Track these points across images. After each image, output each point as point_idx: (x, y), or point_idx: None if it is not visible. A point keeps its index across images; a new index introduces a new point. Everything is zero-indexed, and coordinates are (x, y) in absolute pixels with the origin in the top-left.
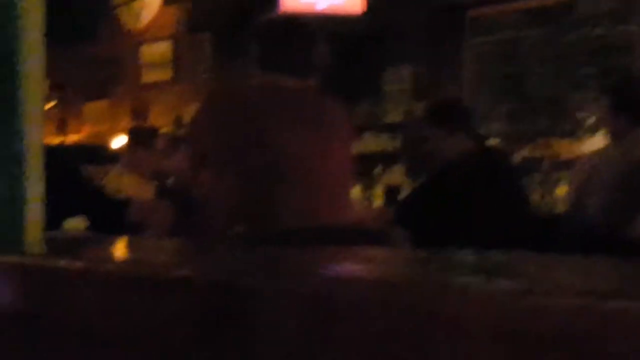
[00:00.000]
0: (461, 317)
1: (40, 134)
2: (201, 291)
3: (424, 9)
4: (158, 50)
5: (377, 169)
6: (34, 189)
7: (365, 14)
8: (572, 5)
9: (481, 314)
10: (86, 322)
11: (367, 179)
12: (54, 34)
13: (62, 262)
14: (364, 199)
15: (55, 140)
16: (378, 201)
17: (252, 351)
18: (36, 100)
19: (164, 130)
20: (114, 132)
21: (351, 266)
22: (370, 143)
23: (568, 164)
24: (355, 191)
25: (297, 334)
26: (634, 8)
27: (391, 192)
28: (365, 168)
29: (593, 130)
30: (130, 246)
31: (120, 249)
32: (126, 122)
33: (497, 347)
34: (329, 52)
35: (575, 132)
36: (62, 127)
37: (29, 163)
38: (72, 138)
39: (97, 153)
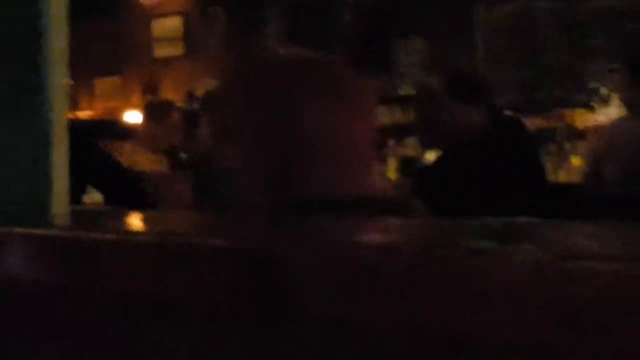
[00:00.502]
0: (489, 282)
1: (65, 109)
2: (236, 260)
3: None
4: (169, 24)
5: (391, 142)
6: (60, 163)
7: None
8: None
9: (507, 279)
10: (117, 294)
11: (382, 152)
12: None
13: (92, 235)
14: (380, 171)
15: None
16: (392, 173)
17: (288, 317)
18: (60, 76)
19: (179, 105)
20: (126, 107)
21: (380, 234)
22: (384, 116)
23: (583, 134)
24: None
25: (329, 299)
26: None
27: (406, 164)
28: (379, 141)
29: (607, 100)
30: (156, 219)
31: (147, 222)
32: (138, 97)
33: (528, 312)
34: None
35: (590, 102)
36: (73, 103)
37: (55, 137)
38: (84, 114)
39: (110, 128)
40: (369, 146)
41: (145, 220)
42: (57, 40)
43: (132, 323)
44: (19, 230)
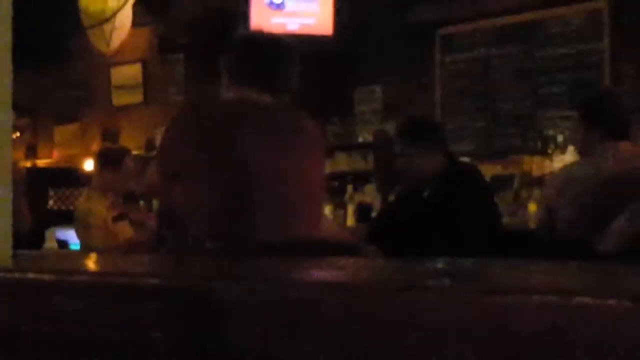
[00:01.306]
0: (429, 318)
1: (8, 152)
2: (172, 298)
3: (394, 27)
4: (129, 72)
5: (349, 188)
6: (2, 205)
7: (335, 33)
8: (541, 23)
9: (447, 313)
10: (58, 332)
11: (340, 198)
12: (23, 56)
13: (32, 275)
14: (337, 218)
15: (27, 163)
16: (351, 219)
17: (224, 356)
18: (3, 118)
19: (135, 152)
20: (85, 154)
21: (319, 272)
22: (342, 162)
23: (539, 181)
24: (328, 210)
25: (264, 338)
26: (602, 26)
27: (363, 210)
28: (338, 187)
29: (563, 147)
30: (100, 259)
31: (89, 262)
32: (97, 144)
33: (465, 346)
34: (299, 70)
35: (546, 149)
36: (33, 151)
37: None
38: (43, 161)
39: (69, 176)
40: (318, 190)
41: (87, 261)
42: (1, 81)
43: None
44: None
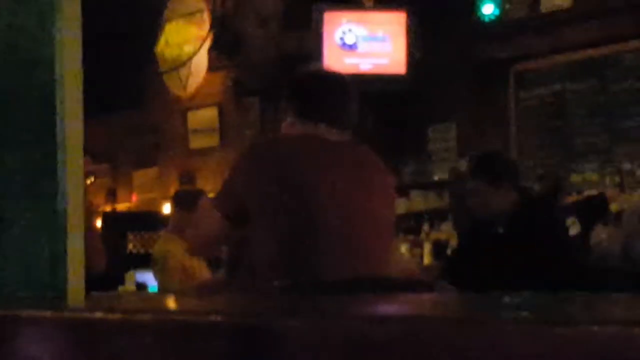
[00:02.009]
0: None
1: (80, 195)
2: (234, 335)
3: (467, 65)
4: (205, 116)
5: (425, 226)
6: (75, 248)
7: (408, 72)
8: (616, 57)
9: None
10: None
11: (416, 237)
12: (102, 104)
13: (100, 314)
14: (414, 256)
15: (106, 208)
16: (427, 258)
17: None
18: (76, 162)
19: (211, 194)
20: (163, 198)
21: (385, 307)
22: (418, 201)
23: (617, 216)
24: (405, 248)
25: None
26: None
27: (440, 248)
28: (414, 226)
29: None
30: (167, 299)
31: (156, 302)
32: (175, 188)
33: None
34: (365, 108)
35: (623, 183)
36: (112, 195)
37: (70, 220)
38: (122, 205)
39: (147, 219)
40: (388, 227)
41: (154, 301)
42: (73, 125)
43: None
44: (33, 312)
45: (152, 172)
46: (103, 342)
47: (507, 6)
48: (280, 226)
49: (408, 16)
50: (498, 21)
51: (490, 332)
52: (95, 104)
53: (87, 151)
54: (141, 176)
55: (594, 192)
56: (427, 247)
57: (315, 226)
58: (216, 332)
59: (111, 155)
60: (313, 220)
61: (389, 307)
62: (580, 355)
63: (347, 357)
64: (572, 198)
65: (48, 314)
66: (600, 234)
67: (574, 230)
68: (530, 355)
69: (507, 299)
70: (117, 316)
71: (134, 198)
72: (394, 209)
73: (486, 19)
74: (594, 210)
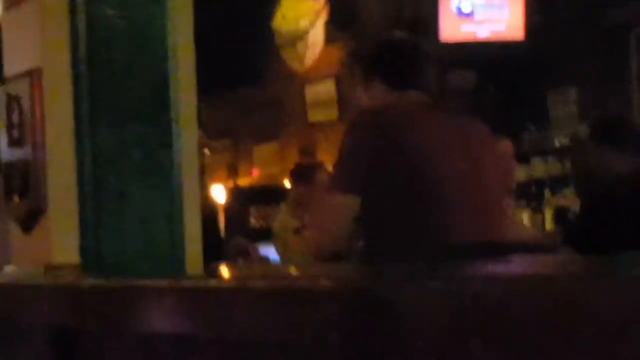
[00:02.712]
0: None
1: (195, 170)
2: (344, 300)
3: (587, 29)
4: (323, 89)
5: (547, 193)
6: (192, 222)
7: (527, 38)
8: None
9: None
10: (242, 336)
11: (538, 203)
12: (221, 80)
13: (215, 282)
14: (535, 223)
15: (228, 183)
16: (549, 224)
17: (399, 355)
18: (190, 137)
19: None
20: (284, 172)
21: (498, 267)
22: (539, 168)
23: None
24: (526, 215)
25: (437, 337)
26: None
27: (562, 214)
28: (535, 192)
29: None
30: (281, 268)
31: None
32: (295, 161)
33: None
34: (483, 75)
35: None
36: (234, 171)
37: (186, 198)
38: (243, 180)
39: (269, 193)
40: (500, 193)
41: (268, 269)
42: (187, 100)
43: None
44: (157, 282)
45: (272, 146)
46: (222, 311)
47: None
48: (402, 199)
49: None
50: None
51: (610, 290)
52: (217, 81)
53: (204, 127)
54: (262, 151)
55: None
56: (548, 214)
57: (435, 192)
58: (326, 299)
59: (232, 131)
60: (433, 187)
61: (506, 268)
62: None
63: (464, 318)
64: None
65: (166, 284)
66: None
67: None
68: None
69: (627, 260)
70: (230, 284)
71: (255, 173)
72: (511, 175)
73: None
74: None
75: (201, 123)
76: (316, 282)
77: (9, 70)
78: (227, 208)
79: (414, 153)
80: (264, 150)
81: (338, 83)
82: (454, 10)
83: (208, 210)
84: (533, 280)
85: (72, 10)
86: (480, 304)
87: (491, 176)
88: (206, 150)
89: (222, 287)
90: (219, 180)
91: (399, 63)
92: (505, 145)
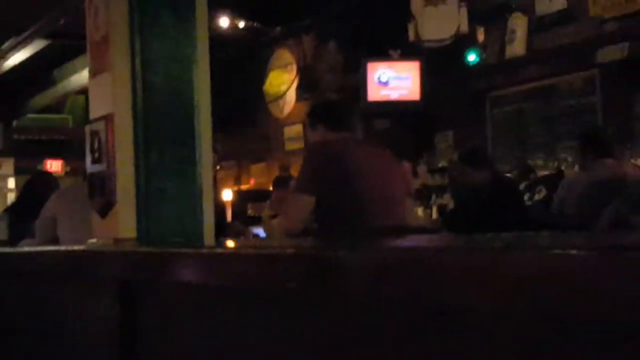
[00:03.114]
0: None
1: (209, 176)
2: (303, 260)
3: (458, 93)
4: (295, 129)
5: (433, 196)
6: (208, 211)
7: (421, 99)
8: (554, 86)
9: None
10: (236, 285)
11: (427, 202)
12: (230, 123)
13: (222, 249)
14: (425, 215)
15: (235, 188)
16: (435, 215)
17: (340, 294)
18: (206, 153)
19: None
20: (270, 182)
21: (402, 240)
22: (429, 180)
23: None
24: (420, 210)
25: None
26: (594, 85)
27: (442, 209)
28: (427, 195)
29: (572, 165)
30: (265, 241)
31: (258, 242)
32: (275, 175)
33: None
34: (395, 122)
35: (560, 166)
36: (238, 180)
37: (204, 195)
38: (244, 186)
39: (260, 195)
40: (403, 195)
41: (257, 242)
42: (205, 133)
43: None
44: (185, 249)
45: (262, 165)
46: (225, 267)
47: (484, 55)
48: (340, 198)
49: (421, 63)
50: (478, 64)
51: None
52: (228, 124)
53: (217, 151)
54: (256, 168)
55: (546, 172)
56: (434, 209)
57: (362, 197)
58: (292, 259)
59: (237, 155)
60: (360, 194)
61: (407, 241)
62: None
63: (380, 270)
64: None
65: (191, 250)
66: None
67: (540, 196)
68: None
69: (482, 238)
70: (230, 250)
71: (252, 182)
72: (411, 185)
73: (470, 63)
74: (554, 182)
75: (215, 149)
76: (285, 249)
77: (92, 115)
78: (232, 204)
79: (346, 169)
80: (257, 168)
81: (304, 126)
82: (376, 80)
83: (219, 205)
84: (425, 249)
85: (133, 77)
86: (390, 262)
87: (396, 185)
88: (218, 167)
89: (227, 252)
90: (226, 186)
91: (333, 115)
92: (407, 165)
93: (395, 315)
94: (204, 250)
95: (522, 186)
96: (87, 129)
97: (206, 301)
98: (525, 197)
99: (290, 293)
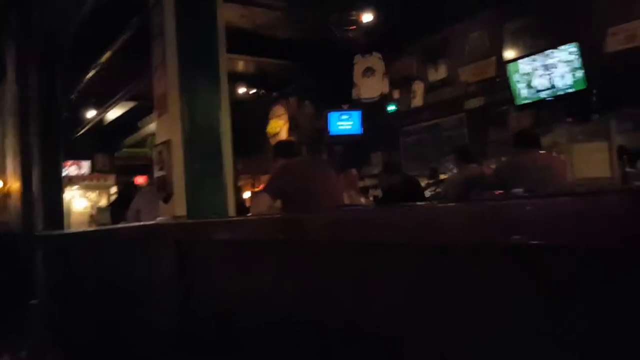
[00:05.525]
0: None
1: (231, 183)
2: (278, 223)
3: (383, 129)
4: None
5: (371, 190)
6: (230, 203)
7: (362, 133)
8: (439, 124)
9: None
10: (245, 239)
11: (367, 194)
12: (248, 150)
13: (239, 218)
14: (366, 200)
15: (250, 190)
16: (371, 201)
17: (304, 246)
18: (228, 166)
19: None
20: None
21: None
22: (368, 182)
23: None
24: (363, 198)
25: (322, 235)
26: (463, 122)
27: (375, 198)
28: (366, 190)
29: (451, 170)
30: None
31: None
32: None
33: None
34: (342, 148)
35: (444, 171)
36: (252, 186)
37: (227, 199)
38: (256, 189)
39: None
40: (339, 195)
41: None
42: (227, 155)
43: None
44: (218, 219)
45: (265, 177)
46: (241, 230)
47: (398, 106)
48: (297, 200)
49: (361, 112)
50: (395, 112)
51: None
52: (245, 151)
53: (238, 167)
54: (264, 178)
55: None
56: (371, 197)
57: (313, 200)
58: (279, 222)
59: (252, 170)
60: (312, 197)
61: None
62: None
63: (331, 226)
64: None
65: (219, 220)
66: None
67: (436, 188)
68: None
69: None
70: (243, 219)
71: (261, 187)
72: (356, 184)
73: (390, 111)
74: (439, 182)
75: (236, 167)
76: (274, 216)
77: (157, 141)
78: (248, 199)
79: (301, 179)
80: (265, 178)
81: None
82: (335, 122)
83: (240, 201)
84: (357, 210)
85: (182, 117)
86: (337, 218)
87: (336, 187)
88: (240, 179)
89: (242, 220)
90: (245, 189)
91: (286, 149)
92: (354, 172)
93: (339, 253)
94: (228, 219)
95: (431, 182)
96: (155, 150)
97: (229, 251)
98: (430, 189)
99: (278, 243)
